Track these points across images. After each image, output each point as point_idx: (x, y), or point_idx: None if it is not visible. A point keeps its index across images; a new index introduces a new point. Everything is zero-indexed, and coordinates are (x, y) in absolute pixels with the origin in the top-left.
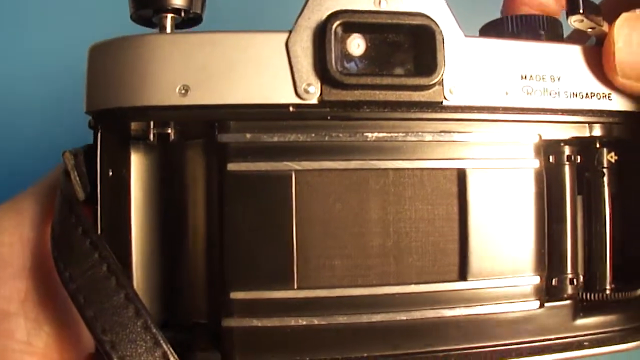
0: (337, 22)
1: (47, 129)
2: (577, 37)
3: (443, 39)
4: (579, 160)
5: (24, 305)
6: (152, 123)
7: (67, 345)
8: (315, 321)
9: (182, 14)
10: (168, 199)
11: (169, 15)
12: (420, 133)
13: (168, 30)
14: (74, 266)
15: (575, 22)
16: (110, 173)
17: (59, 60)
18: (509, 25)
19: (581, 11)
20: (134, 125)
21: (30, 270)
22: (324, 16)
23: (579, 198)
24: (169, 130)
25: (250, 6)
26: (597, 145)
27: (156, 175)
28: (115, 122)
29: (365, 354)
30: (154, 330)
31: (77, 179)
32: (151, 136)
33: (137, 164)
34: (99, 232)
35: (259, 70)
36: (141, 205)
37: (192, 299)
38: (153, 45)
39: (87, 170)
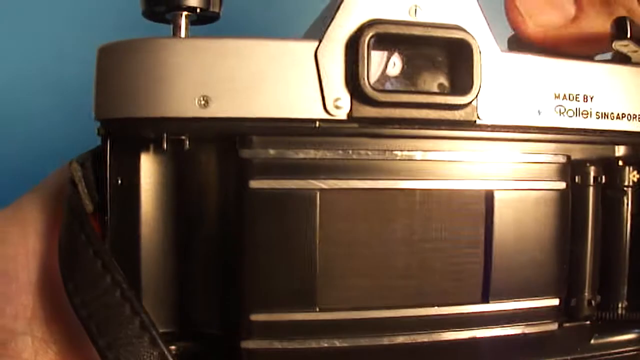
0: (371, 34)
1: (53, 129)
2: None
3: (480, 55)
4: (603, 180)
5: (30, 324)
6: (167, 134)
7: None
8: (337, 343)
9: (198, 11)
10: (180, 207)
11: (184, 13)
12: (450, 152)
13: (183, 28)
14: (85, 291)
15: (620, 46)
16: (119, 182)
17: (65, 59)
18: None
19: (629, 36)
20: (151, 136)
21: (36, 285)
22: (357, 26)
23: (600, 217)
24: (185, 141)
25: (267, 7)
26: (620, 163)
27: (168, 182)
28: (127, 132)
29: None
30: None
31: (85, 190)
32: (165, 145)
33: (147, 171)
34: (108, 242)
35: (286, 81)
36: (151, 214)
37: (204, 311)
38: (170, 51)
39: (95, 178)
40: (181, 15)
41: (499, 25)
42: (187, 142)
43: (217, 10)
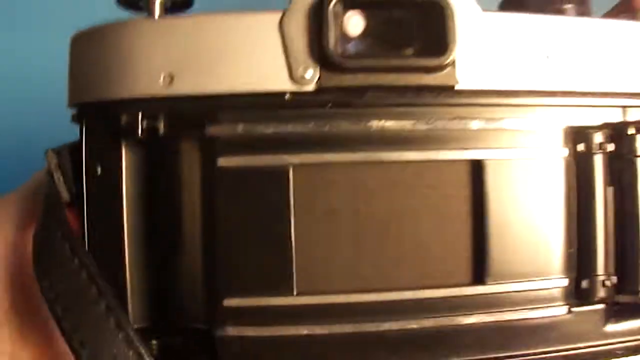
0: None
1: (35, 127)
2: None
3: (454, 14)
4: (611, 148)
5: (8, 314)
6: (139, 116)
7: (54, 355)
8: (318, 330)
9: None
10: (161, 196)
11: None
12: (430, 121)
13: (156, 14)
14: (52, 273)
15: None
16: (99, 170)
17: (44, 56)
18: None
19: None
20: (121, 119)
21: (14, 277)
22: None
23: (611, 190)
24: (158, 124)
25: None
26: (632, 131)
27: (147, 172)
28: (100, 115)
29: None
30: (137, 344)
31: (61, 179)
32: (139, 130)
33: (127, 160)
34: (86, 234)
35: (250, 54)
36: (133, 203)
37: (188, 303)
38: (134, 32)
39: (73, 168)
40: (154, 0)
41: None
42: (162, 127)
43: None
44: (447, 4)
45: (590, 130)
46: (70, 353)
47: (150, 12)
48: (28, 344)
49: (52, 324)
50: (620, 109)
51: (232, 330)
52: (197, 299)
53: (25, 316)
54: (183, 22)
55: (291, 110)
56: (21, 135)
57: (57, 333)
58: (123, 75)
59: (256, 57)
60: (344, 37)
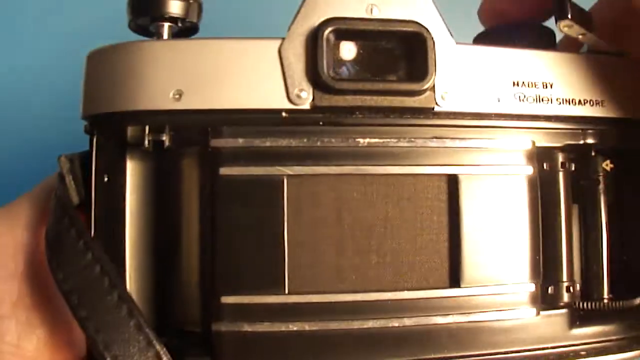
0: (329, 29)
1: (47, 134)
2: (567, 44)
3: (434, 45)
4: (573, 168)
5: (15, 308)
6: (147, 128)
7: (59, 348)
8: (307, 327)
9: (179, 22)
10: (163, 205)
11: (166, 24)
12: (412, 139)
13: (165, 37)
14: (67, 266)
15: (564, 27)
16: (106, 179)
17: (60, 64)
18: (503, 35)
19: (569, 16)
20: (129, 132)
21: (23, 273)
22: (317, 23)
23: (576, 207)
24: (164, 137)
25: (246, 14)
26: (592, 153)
27: (152, 182)
28: (110, 127)
29: None
30: (147, 330)
31: (72, 183)
32: (146, 142)
33: (133, 170)
34: (92, 237)
35: (252, 75)
36: (136, 211)
37: (185, 306)
38: (148, 51)
39: (83, 175)
40: (163, 25)
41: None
42: (167, 140)
43: (194, 20)
44: (428, 36)
45: (554, 151)
46: (71, 345)
47: (160, 37)
48: (34, 337)
49: (59, 317)
50: (580, 132)
51: (228, 326)
52: (194, 303)
53: (33, 311)
54: (192, 44)
55: (287, 126)
56: (29, 141)
57: (64, 325)
58: (134, 90)
59: (257, 78)
60: (337, 62)
